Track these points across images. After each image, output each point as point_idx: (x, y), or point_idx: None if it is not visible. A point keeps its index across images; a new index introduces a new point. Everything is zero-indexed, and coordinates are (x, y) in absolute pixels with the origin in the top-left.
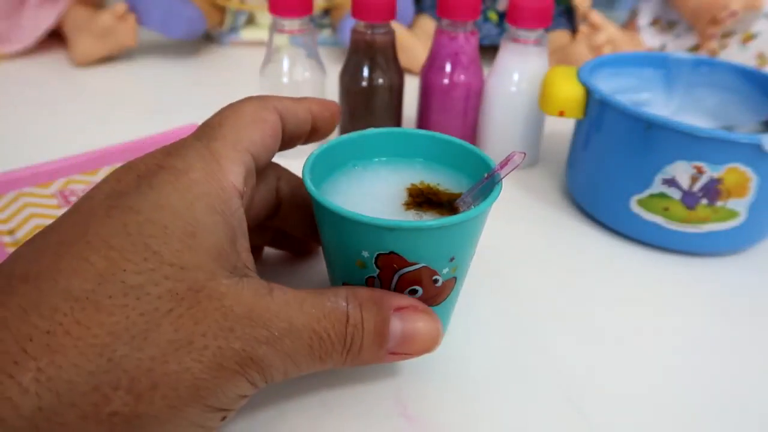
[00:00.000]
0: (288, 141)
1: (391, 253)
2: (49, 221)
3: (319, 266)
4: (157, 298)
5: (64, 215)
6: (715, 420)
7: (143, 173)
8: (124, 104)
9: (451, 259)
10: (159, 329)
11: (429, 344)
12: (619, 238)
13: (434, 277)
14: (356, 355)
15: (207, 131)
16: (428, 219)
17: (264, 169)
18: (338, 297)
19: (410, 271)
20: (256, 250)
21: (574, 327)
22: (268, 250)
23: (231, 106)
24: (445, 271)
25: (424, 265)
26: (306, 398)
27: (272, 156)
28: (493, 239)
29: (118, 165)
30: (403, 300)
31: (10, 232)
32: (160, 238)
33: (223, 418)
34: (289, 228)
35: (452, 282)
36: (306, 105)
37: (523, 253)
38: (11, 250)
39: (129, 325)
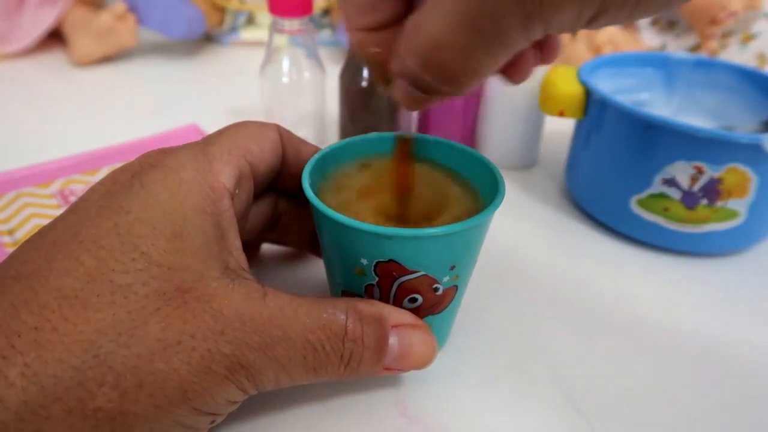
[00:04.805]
0: (289, 172)
1: (390, 261)
2: (48, 221)
3: (318, 268)
4: (144, 297)
5: (60, 216)
6: (715, 420)
7: (137, 172)
8: (124, 104)
9: (452, 268)
10: (146, 327)
11: (423, 361)
12: (619, 238)
13: (434, 286)
14: (354, 370)
15: (206, 138)
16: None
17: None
18: (336, 309)
19: (410, 280)
20: (251, 249)
21: (574, 327)
22: (269, 249)
23: (234, 123)
24: (445, 279)
25: (424, 273)
26: (306, 398)
27: (273, 172)
28: (492, 239)
29: (118, 165)
30: (403, 317)
31: (10, 232)
32: (149, 238)
33: (212, 422)
34: (287, 241)
35: (453, 290)
36: (313, 148)
37: (523, 253)
38: (11, 250)
39: (116, 322)
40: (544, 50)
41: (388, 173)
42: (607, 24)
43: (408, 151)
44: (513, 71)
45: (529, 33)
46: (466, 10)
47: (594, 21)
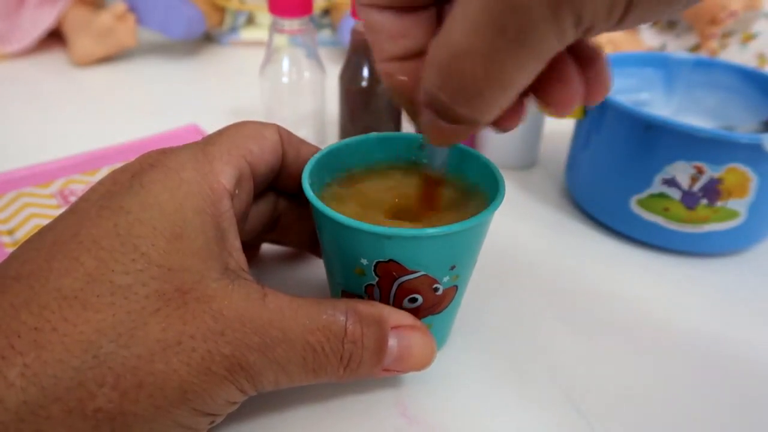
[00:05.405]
0: (289, 172)
1: (390, 261)
2: (48, 221)
3: (318, 268)
4: (144, 297)
5: (60, 216)
6: (715, 420)
7: (137, 172)
8: (124, 104)
9: (452, 268)
10: (146, 327)
11: (422, 363)
12: (619, 238)
13: (434, 286)
14: (354, 371)
15: (206, 138)
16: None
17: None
18: (336, 310)
19: (410, 280)
20: (251, 249)
21: (573, 327)
22: (269, 249)
23: (234, 123)
24: (445, 279)
25: (424, 273)
26: (306, 398)
27: (273, 173)
28: (492, 239)
29: (118, 165)
30: (402, 318)
31: (10, 232)
32: (149, 239)
33: (212, 422)
34: (287, 241)
35: (453, 290)
36: (313, 148)
37: (523, 253)
38: (11, 250)
39: (116, 322)
40: (591, 82)
41: (389, 173)
42: (640, 20)
43: (435, 191)
44: (552, 99)
45: (559, 28)
46: (490, 7)
47: (627, 15)
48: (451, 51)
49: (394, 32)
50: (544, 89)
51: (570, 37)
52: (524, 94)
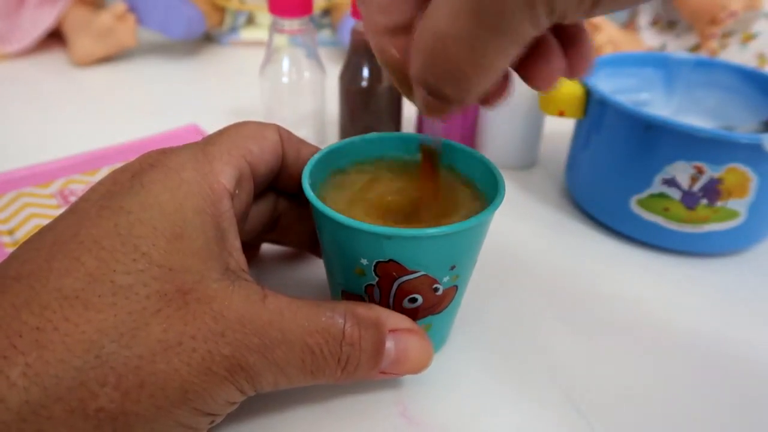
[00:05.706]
0: (289, 172)
1: (390, 261)
2: (48, 221)
3: (318, 268)
4: (145, 297)
5: (60, 216)
6: (715, 420)
7: (137, 172)
8: (124, 104)
9: (452, 268)
10: (147, 328)
11: (419, 366)
12: (619, 238)
13: (434, 286)
14: (351, 373)
15: (206, 139)
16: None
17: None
18: (335, 313)
19: (410, 280)
20: (251, 249)
21: (573, 327)
22: (269, 249)
23: (235, 123)
24: (445, 279)
25: (424, 273)
26: (306, 398)
27: (273, 173)
28: (492, 239)
29: (118, 165)
30: (400, 321)
31: (10, 232)
32: (149, 239)
33: (212, 422)
34: (287, 241)
35: (453, 291)
36: (313, 148)
37: (523, 252)
38: (11, 250)
39: (117, 323)
40: (573, 58)
41: (389, 173)
42: (610, 8)
43: (433, 160)
44: (534, 74)
45: (533, 16)
46: None
47: (597, 4)
48: (435, 36)
49: (383, 4)
50: (526, 66)
51: (544, 24)
52: (508, 72)
